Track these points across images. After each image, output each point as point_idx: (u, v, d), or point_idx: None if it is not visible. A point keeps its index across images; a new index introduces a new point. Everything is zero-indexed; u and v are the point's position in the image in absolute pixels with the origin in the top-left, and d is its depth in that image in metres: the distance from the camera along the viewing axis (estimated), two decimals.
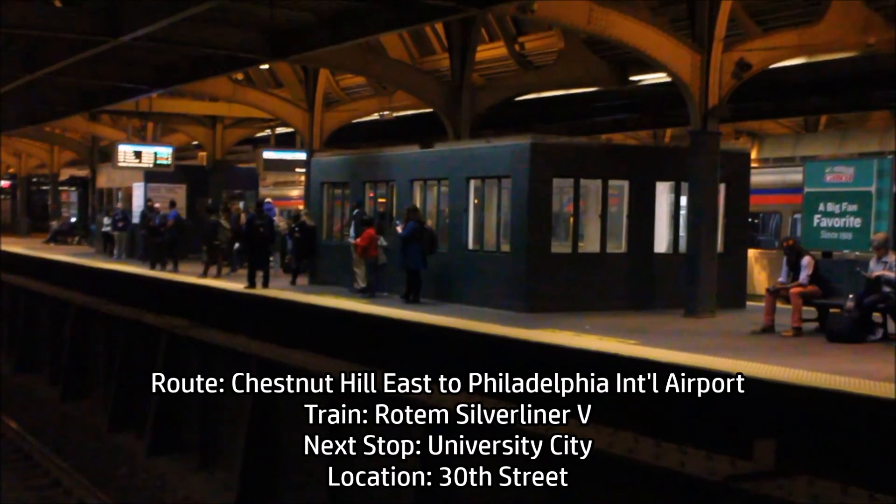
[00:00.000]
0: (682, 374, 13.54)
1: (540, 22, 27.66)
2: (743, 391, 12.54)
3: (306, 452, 12.89)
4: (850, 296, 16.97)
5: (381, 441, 11.41)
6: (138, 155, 38.76)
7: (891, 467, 10.58)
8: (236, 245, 29.98)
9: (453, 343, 17.57)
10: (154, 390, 17.18)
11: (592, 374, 14.71)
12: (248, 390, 14.29)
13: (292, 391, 13.59)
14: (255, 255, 26.19)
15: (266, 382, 13.98)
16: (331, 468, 12.18)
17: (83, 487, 15.71)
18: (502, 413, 9.03)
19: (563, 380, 15.02)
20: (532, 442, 8.51)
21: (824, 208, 21.25)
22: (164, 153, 39.37)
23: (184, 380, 16.63)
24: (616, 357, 14.72)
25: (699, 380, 13.25)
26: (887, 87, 27.04)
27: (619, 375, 14.30)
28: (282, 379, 13.77)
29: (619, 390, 14.09)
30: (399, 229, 23.06)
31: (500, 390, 12.84)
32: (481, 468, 9.52)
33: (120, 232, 39.08)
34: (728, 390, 12.78)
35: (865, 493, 6.17)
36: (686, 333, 17.89)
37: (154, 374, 17.25)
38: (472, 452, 9.65)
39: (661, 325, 19.06)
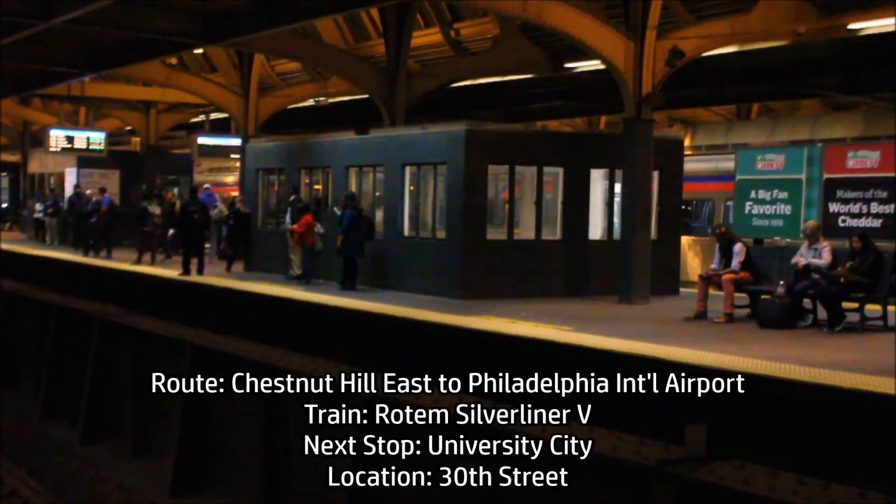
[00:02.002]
0: (616, 360, 13.66)
1: (475, 8, 27.73)
2: (675, 377, 12.68)
3: (241, 439, 12.88)
4: (781, 282, 17.19)
5: (316, 427, 11.40)
6: (70, 140, 38.30)
7: (819, 451, 10.76)
8: (171, 231, 29.76)
9: (388, 330, 17.59)
10: (87, 377, 17.02)
11: (526, 361, 14.81)
12: (181, 377, 14.20)
13: (226, 378, 13.53)
14: (190, 241, 26.01)
15: (200, 370, 13.90)
16: (265, 453, 12.16)
17: (16, 477, 15.54)
18: (436, 399, 9.06)
19: (498, 366, 15.09)
20: (467, 436, 8.55)
21: (756, 195, 21.56)
22: (97, 138, 38.93)
23: (116, 367, 16.51)
24: (551, 343, 14.81)
25: (633, 366, 13.37)
26: (818, 76, 27.38)
27: (552, 362, 14.41)
28: (216, 366, 13.70)
29: (552, 377, 14.19)
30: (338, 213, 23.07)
31: (435, 377, 12.87)
32: (409, 445, 9.55)
33: (51, 218, 38.64)
34: (661, 376, 12.91)
35: (794, 477, 6.27)
36: (620, 320, 18.03)
37: (87, 362, 17.10)
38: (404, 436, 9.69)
39: (595, 312, 19.19)
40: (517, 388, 13.73)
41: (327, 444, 10.84)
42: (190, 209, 26.17)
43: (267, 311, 20.80)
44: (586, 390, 13.48)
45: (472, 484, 8.59)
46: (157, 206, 30.35)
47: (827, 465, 10.15)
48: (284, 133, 35.72)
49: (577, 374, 13.86)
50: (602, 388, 13.40)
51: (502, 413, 8.36)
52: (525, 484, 8.11)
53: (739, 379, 11.92)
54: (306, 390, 11.49)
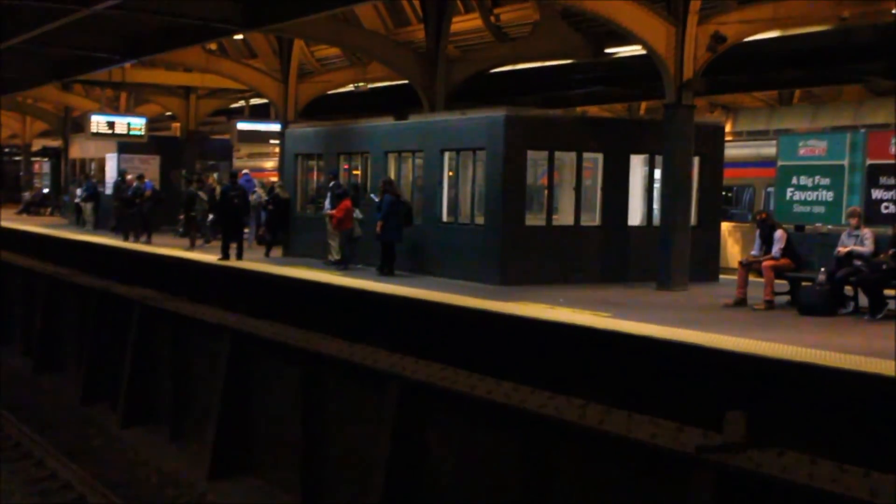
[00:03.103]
0: (655, 347, 13.59)
1: None
2: (714, 364, 12.60)
3: (280, 423, 12.91)
4: (822, 269, 17.05)
5: (354, 412, 11.42)
6: (111, 125, 38.43)
7: (859, 439, 10.66)
8: (210, 216, 29.88)
9: (427, 315, 17.58)
10: (127, 362, 17.15)
11: (566, 347, 14.76)
12: (221, 361, 14.27)
13: (265, 363, 13.58)
14: (229, 226, 26.07)
15: (239, 354, 13.96)
16: (305, 441, 12.19)
17: (56, 459, 15.68)
18: (474, 385, 9.04)
19: (537, 352, 15.06)
20: (503, 413, 8.53)
21: (797, 182, 21.34)
22: (138, 124, 39.07)
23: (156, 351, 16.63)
24: (590, 330, 14.76)
25: (672, 352, 13.30)
26: (861, 61, 27.12)
27: (592, 348, 14.36)
28: (255, 351, 13.76)
29: (591, 362, 14.14)
30: (375, 200, 23.08)
31: (474, 362, 12.85)
32: (453, 438, 9.54)
33: (86, 203, 38.88)
34: (700, 363, 12.84)
35: (833, 465, 6.21)
36: (659, 306, 17.94)
37: (127, 347, 17.22)
38: (444, 422, 9.68)
39: (634, 298, 19.11)
40: (556, 374, 13.69)
41: (365, 429, 10.86)
42: (230, 194, 26.23)
43: (306, 296, 20.85)
44: (625, 377, 13.43)
45: (512, 469, 8.58)
46: (203, 191, 30.52)
47: (867, 453, 10.06)
48: (324, 119, 35.75)
49: (617, 361, 13.80)
50: (641, 374, 13.35)
51: (541, 399, 8.34)
52: (565, 469, 8.09)
53: (779, 366, 11.83)
54: (345, 375, 11.52)
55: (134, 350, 17.08)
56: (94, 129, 38.24)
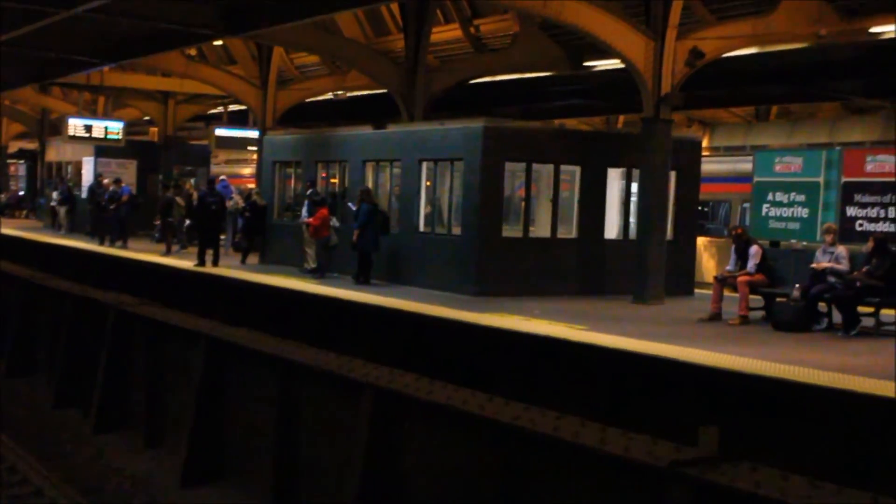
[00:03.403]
0: (630, 360, 13.64)
1: (495, 5, 27.70)
2: (689, 378, 12.66)
3: (253, 431, 12.89)
4: (797, 285, 17.15)
5: (328, 421, 11.40)
6: (88, 129, 38.33)
7: (832, 455, 10.72)
8: (187, 222, 29.85)
9: (402, 325, 17.59)
10: (101, 367, 17.07)
11: (540, 359, 14.80)
12: (195, 368, 14.23)
13: (240, 370, 13.55)
14: (206, 232, 26.05)
15: (214, 361, 13.92)
16: (278, 449, 12.17)
17: (27, 464, 15.59)
18: (448, 396, 9.05)
19: (512, 363, 15.09)
20: (478, 424, 8.54)
21: (773, 198, 21.48)
22: (115, 128, 38.98)
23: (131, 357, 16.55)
24: (565, 342, 14.80)
25: (646, 366, 13.36)
26: (838, 79, 27.30)
27: (567, 361, 14.40)
28: (229, 358, 13.72)
29: (566, 375, 14.18)
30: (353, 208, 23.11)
31: (450, 373, 12.87)
32: (427, 448, 9.54)
33: (61, 206, 38.74)
34: (674, 377, 12.89)
35: (806, 480, 6.25)
36: (634, 320, 18.00)
37: (102, 352, 17.14)
38: (418, 432, 9.67)
39: (609, 311, 19.17)
40: (531, 386, 13.73)
41: (339, 439, 10.85)
42: (207, 200, 26.21)
43: (281, 304, 20.82)
44: (600, 390, 13.47)
45: (486, 481, 8.58)
46: (180, 196, 30.48)
47: (840, 469, 10.12)
48: (302, 126, 35.74)
49: (591, 374, 13.85)
50: (615, 387, 13.39)
51: (515, 410, 8.35)
52: (537, 482, 8.10)
53: (752, 381, 11.90)
54: (319, 384, 11.51)
55: (108, 355, 16.99)
56: (71, 132, 38.13)
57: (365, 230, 22.51)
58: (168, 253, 28.82)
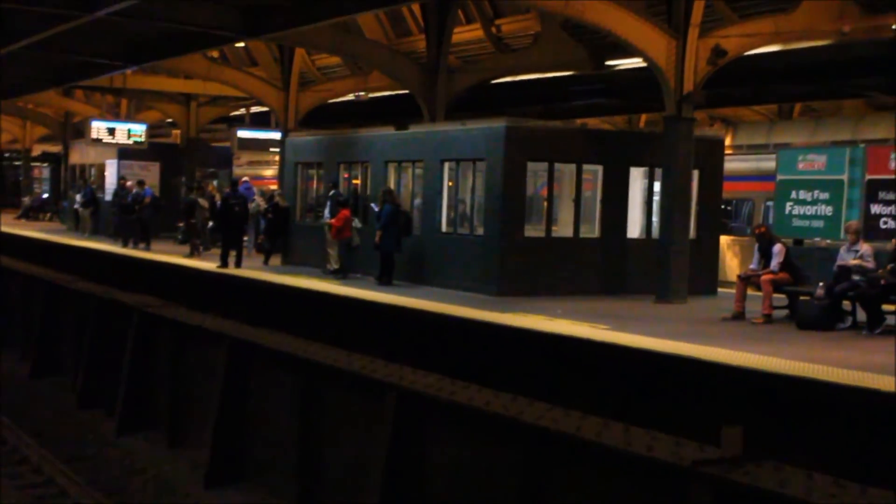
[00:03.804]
0: (653, 360, 13.60)
1: (517, 5, 27.67)
2: (712, 377, 12.62)
3: (277, 432, 12.91)
4: (821, 283, 17.06)
5: (351, 421, 11.41)
6: (111, 131, 38.47)
7: (856, 454, 10.66)
8: (210, 224, 29.92)
9: (425, 325, 17.59)
10: (125, 368, 17.14)
11: (563, 359, 14.77)
12: (218, 369, 14.27)
13: (263, 371, 13.57)
14: (229, 234, 26.10)
15: (237, 362, 13.96)
16: (301, 450, 12.18)
17: (52, 465, 15.66)
18: (471, 396, 9.05)
19: (534, 364, 15.07)
20: (500, 425, 8.53)
21: (796, 196, 21.39)
22: (138, 130, 39.11)
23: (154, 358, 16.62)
24: (588, 342, 14.77)
25: (670, 365, 13.31)
26: (861, 76, 27.16)
27: (590, 360, 14.37)
28: (253, 359, 13.75)
29: (589, 374, 14.15)
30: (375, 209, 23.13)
31: (472, 373, 12.86)
32: (450, 449, 9.54)
33: (84, 209, 38.88)
34: (698, 376, 12.85)
35: (830, 479, 6.22)
36: (657, 319, 17.95)
37: (125, 353, 17.21)
38: (441, 433, 9.67)
39: (632, 311, 19.12)
40: (554, 386, 13.70)
41: (362, 439, 10.85)
42: (230, 202, 26.27)
43: (304, 305, 20.85)
44: (623, 389, 13.44)
45: (508, 481, 8.57)
46: (203, 198, 30.57)
47: (864, 468, 10.06)
48: (324, 127, 35.79)
49: (615, 373, 13.82)
50: (639, 387, 13.36)
51: (538, 411, 8.34)
52: (562, 482, 8.09)
53: (776, 380, 11.85)
54: (341, 384, 11.51)
55: (132, 356, 17.06)
56: (94, 134, 38.28)
57: (387, 231, 22.52)
58: (192, 255, 28.90)
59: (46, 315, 22.42)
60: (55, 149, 56.24)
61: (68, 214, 43.92)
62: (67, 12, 25.11)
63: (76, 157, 46.97)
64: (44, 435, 17.90)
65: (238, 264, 25.63)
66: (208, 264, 25.81)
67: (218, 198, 29.17)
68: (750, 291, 18.36)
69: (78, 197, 40.90)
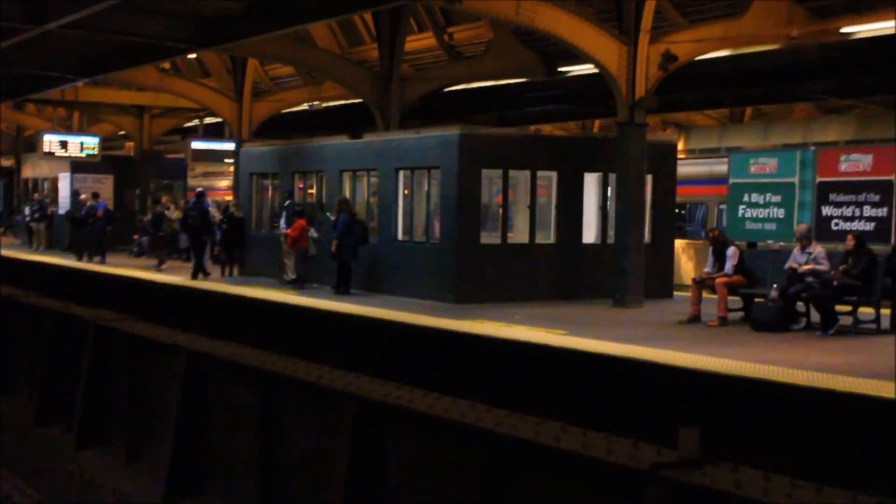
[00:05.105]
0: (610, 364, 13.69)
1: (468, 12, 27.75)
2: (669, 380, 12.71)
3: (236, 444, 12.88)
4: (774, 286, 17.23)
5: (311, 432, 11.40)
6: (64, 145, 38.21)
7: (812, 454, 10.79)
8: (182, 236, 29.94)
9: (384, 334, 17.61)
10: (81, 383, 17.03)
11: (522, 365, 14.83)
12: (175, 382, 14.21)
13: (221, 383, 13.54)
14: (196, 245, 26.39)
15: (194, 375, 13.90)
16: (261, 461, 12.16)
17: (10, 482, 15.54)
18: (430, 404, 9.07)
19: (493, 370, 15.12)
20: (460, 432, 8.57)
21: (749, 199, 21.55)
22: (91, 143, 38.86)
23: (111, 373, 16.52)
24: (545, 348, 14.83)
25: (626, 369, 13.40)
26: (811, 79, 27.43)
27: (548, 366, 14.43)
28: (210, 371, 13.71)
29: (547, 380, 14.22)
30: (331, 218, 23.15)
31: (431, 381, 12.89)
32: (410, 457, 9.56)
33: (37, 223, 38.58)
34: (654, 379, 12.95)
35: (787, 480, 6.30)
36: (614, 323, 18.06)
37: (82, 367, 17.10)
38: (401, 441, 9.69)
39: (589, 316, 19.22)
40: (513, 392, 13.76)
41: (322, 449, 10.85)
42: (188, 213, 26.34)
43: (262, 315, 20.81)
44: (581, 394, 13.51)
45: (468, 488, 8.61)
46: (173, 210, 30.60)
47: (820, 468, 10.18)
48: (278, 137, 35.72)
49: (572, 378, 13.89)
50: (596, 391, 13.44)
51: (497, 417, 8.38)
52: (522, 487, 8.13)
53: (733, 382, 11.96)
54: (300, 395, 11.50)
55: (88, 371, 16.95)
56: (46, 148, 38.00)
57: (343, 240, 22.52)
58: (159, 267, 28.80)
59: (1, 331, 22.25)
60: (7, 163, 55.79)
61: (21, 229, 43.59)
62: (18, 25, 24.94)
63: (29, 171, 46.62)
64: (1, 452, 17.75)
65: (194, 276, 25.58)
66: (174, 278, 25.73)
67: (173, 210, 29.13)
68: (705, 294, 18.52)
69: (26, 210, 40.62)
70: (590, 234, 22.83)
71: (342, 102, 36.64)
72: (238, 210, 28.21)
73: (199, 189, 33.44)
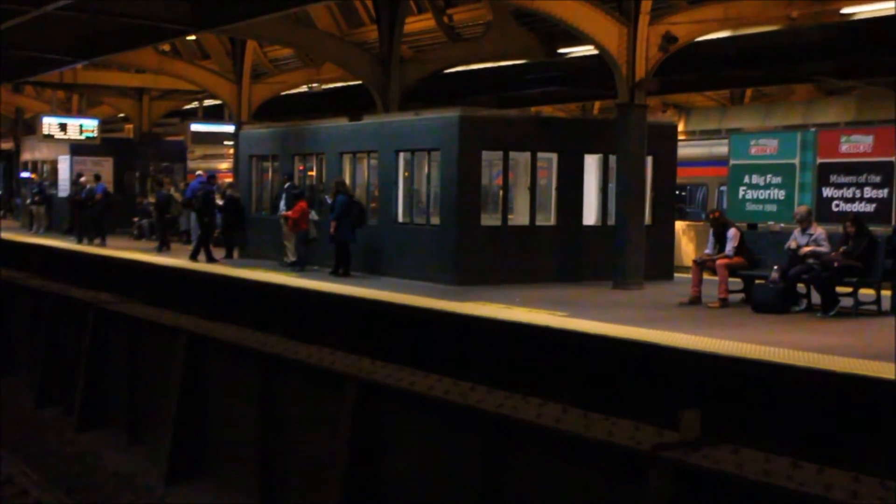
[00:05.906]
0: (611, 346, 13.69)
1: None
2: (670, 362, 12.72)
3: (237, 426, 12.89)
4: (775, 267, 17.22)
5: (312, 414, 11.41)
6: (63, 127, 38.14)
7: (813, 435, 10.80)
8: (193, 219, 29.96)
9: (384, 316, 17.61)
10: (82, 365, 17.03)
11: (522, 346, 14.84)
12: (176, 365, 14.22)
13: (221, 365, 13.54)
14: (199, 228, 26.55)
15: (195, 357, 13.91)
16: (262, 443, 12.17)
17: (11, 464, 15.56)
18: (431, 386, 9.07)
19: (494, 352, 15.13)
20: (461, 413, 8.57)
21: (749, 180, 21.56)
22: (90, 125, 38.80)
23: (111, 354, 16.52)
24: (546, 329, 14.84)
25: (627, 351, 13.41)
26: (811, 60, 27.39)
27: (548, 347, 14.44)
28: (210, 353, 13.71)
29: (548, 362, 14.23)
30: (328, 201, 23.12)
31: (432, 363, 12.90)
32: (410, 438, 9.57)
33: (37, 206, 38.56)
34: (655, 361, 12.95)
35: (788, 461, 6.30)
36: (614, 305, 18.06)
37: (82, 350, 17.10)
38: (402, 423, 9.70)
39: (589, 297, 19.22)
40: (514, 374, 13.77)
41: (323, 431, 10.85)
42: (201, 196, 26.52)
43: (263, 298, 20.81)
44: (582, 376, 13.52)
45: (470, 469, 8.61)
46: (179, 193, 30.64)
47: (821, 449, 10.19)
48: (278, 120, 35.68)
49: (573, 360, 13.90)
50: (597, 373, 13.45)
51: (498, 399, 8.38)
52: (522, 469, 8.13)
53: (734, 363, 11.96)
54: (301, 377, 11.51)
55: (89, 354, 16.95)
56: (45, 130, 37.93)
57: (341, 221, 22.50)
58: (162, 250, 28.84)
59: (0, 313, 22.25)
60: (7, 146, 55.72)
61: (22, 211, 43.56)
62: (16, 7, 24.84)
63: (28, 154, 46.56)
64: (1, 435, 17.78)
65: (193, 256, 25.61)
66: (178, 261, 25.74)
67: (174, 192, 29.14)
68: (706, 276, 18.51)
69: (24, 192, 40.63)
70: (590, 216, 22.82)
71: (342, 84, 36.57)
72: (236, 192, 28.19)
73: (211, 171, 33.43)
